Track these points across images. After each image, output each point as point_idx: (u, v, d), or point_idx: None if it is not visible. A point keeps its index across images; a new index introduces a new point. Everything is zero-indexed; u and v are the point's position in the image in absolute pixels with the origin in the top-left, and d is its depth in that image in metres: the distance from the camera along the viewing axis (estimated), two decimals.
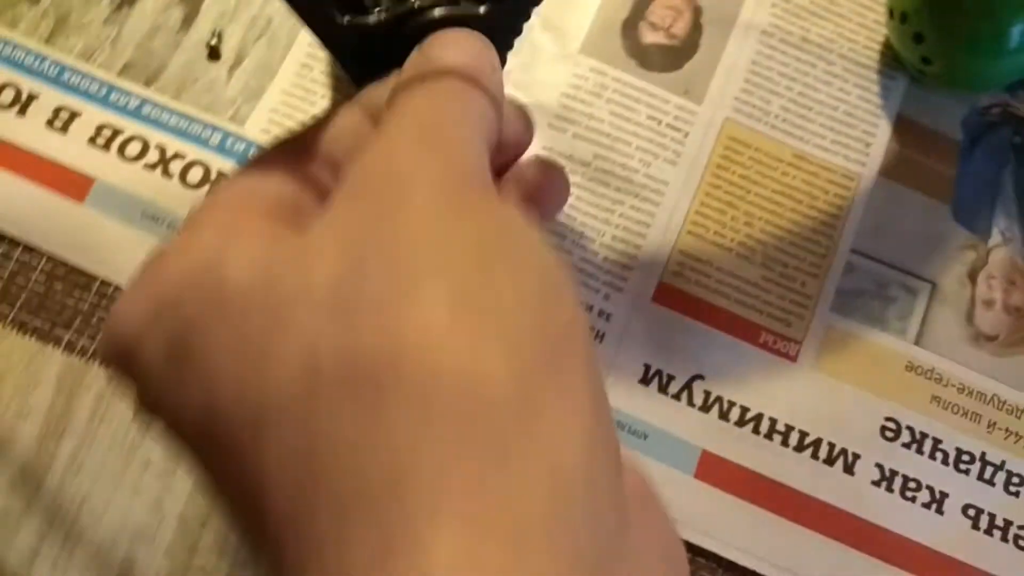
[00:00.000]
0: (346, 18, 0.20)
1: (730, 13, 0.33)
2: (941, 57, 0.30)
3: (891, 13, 0.32)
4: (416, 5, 0.20)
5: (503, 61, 0.21)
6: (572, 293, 0.16)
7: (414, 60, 0.19)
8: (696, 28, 0.33)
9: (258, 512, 0.14)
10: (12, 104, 0.30)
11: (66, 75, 0.31)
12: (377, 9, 0.20)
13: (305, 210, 0.17)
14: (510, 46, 0.22)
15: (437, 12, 0.20)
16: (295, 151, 0.19)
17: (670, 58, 0.33)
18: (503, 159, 0.21)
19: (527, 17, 0.22)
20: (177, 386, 0.15)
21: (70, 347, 0.29)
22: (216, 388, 0.14)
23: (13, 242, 0.29)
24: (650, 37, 0.33)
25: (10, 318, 0.29)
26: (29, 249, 0.29)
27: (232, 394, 0.14)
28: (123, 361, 0.16)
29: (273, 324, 0.14)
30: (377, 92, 0.19)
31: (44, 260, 0.29)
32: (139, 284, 0.16)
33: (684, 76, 0.32)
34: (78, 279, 0.29)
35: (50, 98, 0.31)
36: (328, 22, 0.20)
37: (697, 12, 0.33)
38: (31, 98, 0.31)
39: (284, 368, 0.14)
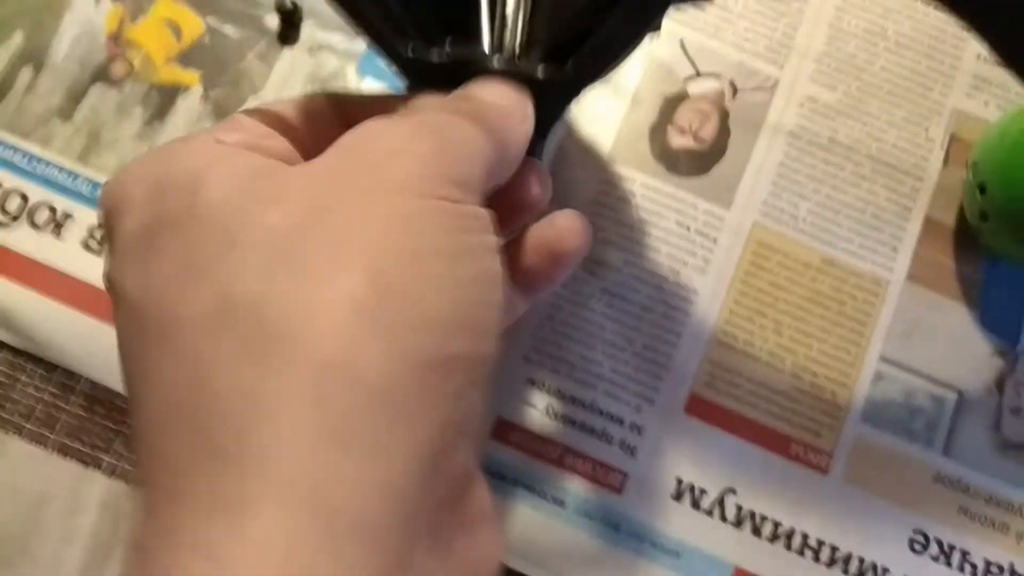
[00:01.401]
0: (411, 50, 0.21)
1: (757, 115, 0.33)
2: (997, 219, 0.30)
3: (967, 165, 0.31)
4: (477, 54, 0.21)
5: (548, 127, 0.22)
6: (482, 331, 0.17)
7: (453, 96, 0.20)
8: (724, 131, 0.33)
9: (137, 431, 0.16)
10: (47, 224, 0.31)
11: (100, 193, 0.31)
12: (440, 49, 0.21)
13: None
14: (558, 116, 0.23)
15: (495, 63, 0.21)
16: (328, 113, 0.20)
17: (698, 162, 0.33)
18: (512, 212, 0.21)
19: (579, 92, 0.23)
20: (132, 265, 0.16)
21: (112, 470, 0.29)
22: (151, 284, 0.16)
23: (52, 365, 0.30)
24: (678, 141, 0.33)
25: (52, 442, 0.30)
26: (69, 372, 0.30)
27: (158, 296, 0.16)
28: (107, 223, 0.18)
29: (217, 248, 0.15)
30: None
31: (83, 383, 0.30)
32: (143, 164, 0.17)
33: (712, 180, 0.33)
34: (117, 402, 0.30)
35: (85, 217, 0.31)
36: (394, 52, 0.21)
37: (724, 115, 0.33)
38: (66, 217, 0.31)
39: (204, 292, 0.15)
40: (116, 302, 0.17)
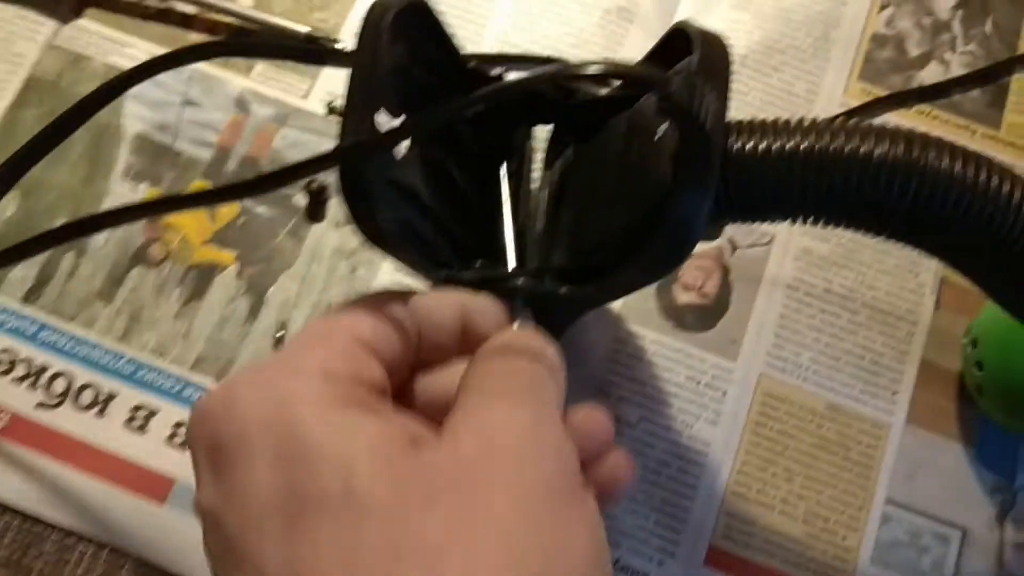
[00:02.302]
0: (444, 274, 0.23)
1: (756, 270, 0.35)
2: (992, 395, 0.32)
3: (968, 331, 0.33)
4: (505, 274, 0.23)
5: (563, 330, 0.23)
6: None
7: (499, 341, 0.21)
8: (726, 286, 0.35)
9: None
10: (92, 405, 0.32)
11: (141, 372, 0.33)
12: (472, 270, 0.23)
13: (382, 399, 0.19)
14: (572, 322, 0.25)
15: (521, 282, 0.23)
16: (399, 338, 0.20)
17: (704, 317, 0.35)
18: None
19: (596, 307, 0.25)
20: (272, 539, 0.16)
21: None
22: (305, 572, 0.16)
23: (100, 544, 0.31)
24: (684, 298, 0.35)
25: None
26: (116, 550, 0.31)
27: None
28: (210, 455, 0.18)
29: (382, 558, 0.16)
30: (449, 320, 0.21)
31: (130, 561, 0.31)
32: (250, 394, 0.18)
33: (718, 334, 0.35)
34: None
35: (127, 397, 0.33)
36: (427, 276, 0.23)
37: (726, 271, 0.35)
38: (110, 398, 0.33)
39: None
40: (228, 556, 0.17)
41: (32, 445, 0.32)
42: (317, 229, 0.35)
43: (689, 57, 0.21)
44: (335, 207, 0.35)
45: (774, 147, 0.20)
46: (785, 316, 0.35)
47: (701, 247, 0.35)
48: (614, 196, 0.23)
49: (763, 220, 0.22)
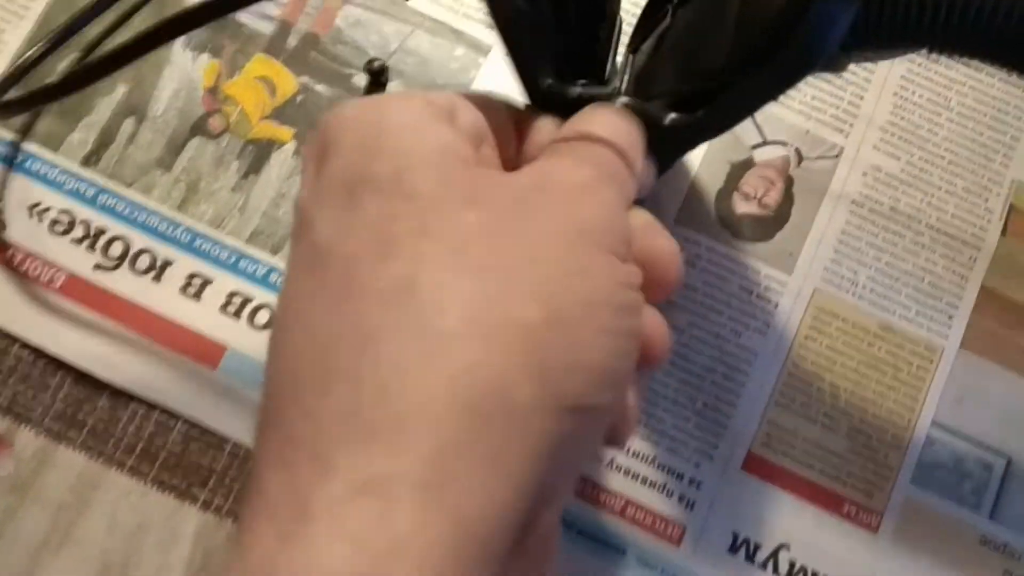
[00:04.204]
0: (549, 83, 0.23)
1: (821, 183, 0.34)
2: None
3: None
4: (608, 92, 0.23)
5: (664, 168, 0.23)
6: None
7: (577, 120, 0.22)
8: (788, 198, 0.34)
9: (273, 376, 0.18)
10: (148, 270, 0.33)
11: (198, 242, 0.33)
12: (575, 86, 0.23)
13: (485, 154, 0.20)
14: (670, 165, 0.25)
15: (624, 100, 0.23)
16: (504, 120, 0.22)
17: (762, 228, 0.34)
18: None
19: (696, 144, 0.24)
20: (331, 209, 0.18)
21: (206, 505, 0.31)
22: (345, 239, 0.18)
23: (152, 405, 0.32)
24: (743, 207, 0.34)
25: (150, 476, 0.32)
26: (166, 411, 0.32)
27: (349, 254, 0.17)
28: (314, 153, 0.19)
29: (414, 230, 0.17)
30: (548, 127, 0.22)
31: (180, 422, 0.32)
32: (358, 109, 0.19)
33: (775, 246, 0.34)
34: (212, 440, 0.32)
35: (184, 265, 0.33)
36: (533, 82, 0.23)
37: (789, 182, 0.34)
38: (166, 264, 0.33)
39: (392, 269, 0.17)
40: (301, 231, 0.18)
41: (88, 305, 0.32)
42: None
43: None
44: (395, 89, 0.35)
45: None
46: (846, 232, 0.34)
47: (766, 156, 0.35)
48: (735, 14, 0.22)
49: (900, 48, 0.20)
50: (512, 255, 0.17)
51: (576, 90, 0.23)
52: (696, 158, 0.35)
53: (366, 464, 0.15)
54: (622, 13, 0.27)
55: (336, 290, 0.17)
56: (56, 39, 0.30)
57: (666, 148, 0.23)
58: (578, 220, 0.18)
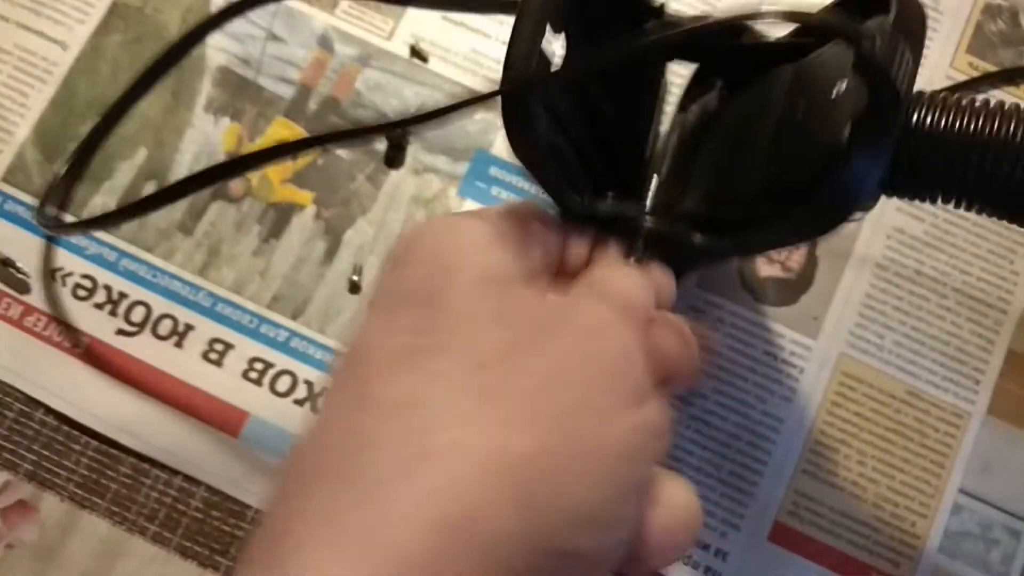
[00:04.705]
0: (579, 201, 0.23)
1: (845, 246, 0.34)
2: None
3: None
4: (638, 212, 0.23)
5: (681, 279, 0.24)
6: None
7: (605, 269, 0.22)
8: (812, 261, 0.34)
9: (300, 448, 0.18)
10: (170, 335, 0.33)
11: (219, 306, 0.33)
12: (605, 203, 0.23)
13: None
14: (691, 271, 0.25)
15: (655, 224, 0.23)
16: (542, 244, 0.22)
17: (786, 292, 0.34)
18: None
19: (718, 262, 0.24)
20: (379, 313, 0.19)
21: (228, 573, 0.31)
22: (380, 337, 0.18)
23: (174, 470, 0.32)
24: (766, 270, 0.34)
25: (173, 544, 0.32)
26: (189, 478, 0.32)
27: (378, 353, 0.18)
28: (389, 265, 0.20)
29: (437, 338, 0.18)
30: (579, 250, 0.22)
31: (203, 488, 0.32)
32: (432, 227, 0.20)
33: (800, 310, 0.34)
34: (234, 507, 0.32)
35: (205, 330, 0.33)
36: (563, 202, 0.23)
37: (813, 245, 0.34)
38: (188, 329, 0.33)
39: (405, 379, 0.17)
40: (353, 331, 0.19)
41: (110, 370, 0.32)
42: (395, 176, 0.34)
43: (882, 15, 0.20)
44: (413, 154, 0.35)
45: (955, 127, 0.19)
46: (871, 296, 0.34)
47: None
48: (766, 150, 0.22)
49: (924, 199, 0.21)
50: (524, 381, 0.17)
51: (605, 208, 0.23)
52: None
53: (328, 569, 0.15)
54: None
55: (354, 395, 0.17)
56: (91, 137, 0.30)
57: (690, 262, 0.23)
58: (596, 357, 0.18)
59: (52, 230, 0.32)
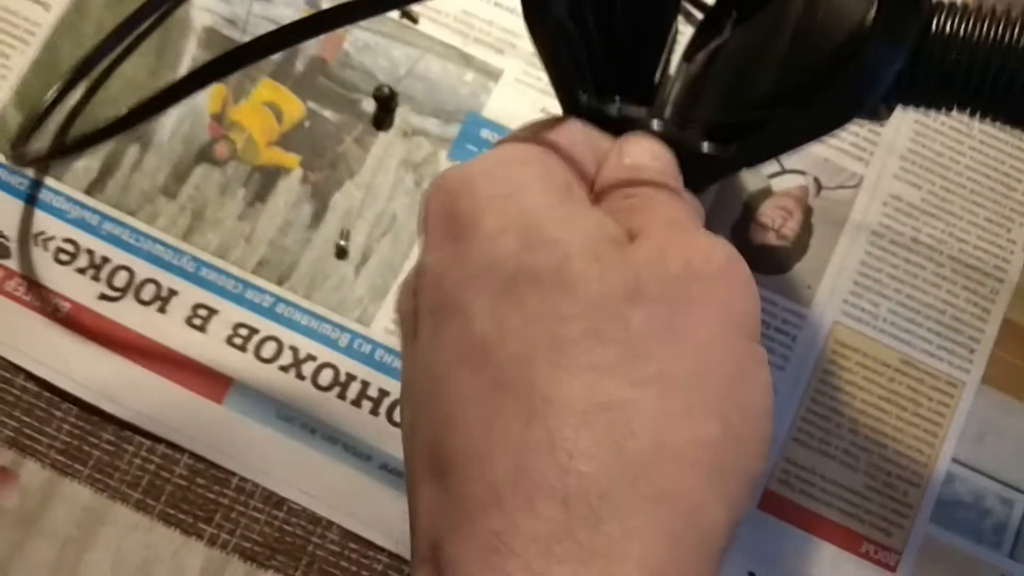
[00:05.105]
0: (587, 100, 0.22)
1: (841, 213, 0.34)
2: None
3: None
4: (646, 115, 0.23)
5: (700, 189, 0.23)
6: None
7: (623, 153, 0.21)
8: (806, 229, 0.33)
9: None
10: (153, 300, 0.32)
11: (203, 271, 0.33)
12: (614, 105, 0.23)
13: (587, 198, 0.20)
14: (701, 191, 0.24)
15: (658, 126, 0.22)
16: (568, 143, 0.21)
17: (780, 260, 0.33)
18: None
19: (729, 173, 0.23)
20: (489, 299, 0.18)
21: (212, 540, 0.31)
22: (511, 334, 0.17)
23: (157, 437, 0.32)
24: (760, 238, 0.33)
25: (156, 511, 0.31)
26: (172, 445, 0.31)
27: (516, 352, 0.17)
28: (448, 224, 0.19)
29: (587, 338, 0.17)
30: (595, 138, 0.22)
31: (186, 456, 0.31)
32: (491, 182, 0.19)
33: (793, 278, 0.33)
34: (218, 474, 0.31)
35: (189, 295, 0.32)
36: (572, 98, 0.22)
37: (808, 212, 0.34)
38: (171, 294, 0.32)
39: (574, 381, 0.17)
40: (450, 315, 0.18)
41: (92, 336, 0.32)
42: (384, 138, 0.34)
43: None
44: (403, 115, 0.34)
45: (977, 31, 0.19)
46: (866, 264, 0.33)
47: (784, 185, 0.34)
48: (782, 54, 0.21)
49: (940, 107, 0.21)
50: (682, 362, 0.17)
51: (614, 109, 0.22)
52: (711, 188, 0.34)
53: None
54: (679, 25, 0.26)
55: (517, 398, 0.16)
56: (72, 78, 0.29)
57: (696, 176, 0.22)
58: (729, 315, 0.18)
59: (29, 165, 0.31)
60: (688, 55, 0.27)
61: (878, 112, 0.21)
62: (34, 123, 0.31)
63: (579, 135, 0.21)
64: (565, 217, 0.18)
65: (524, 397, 0.16)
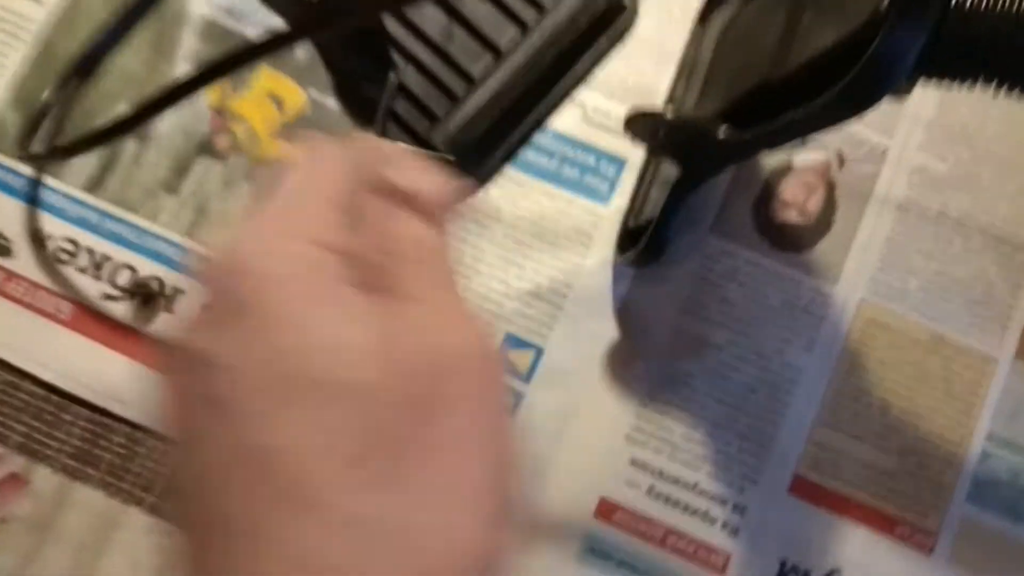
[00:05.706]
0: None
1: (865, 188, 0.32)
2: None
3: None
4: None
5: (704, 180, 0.23)
6: None
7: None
8: (830, 204, 0.32)
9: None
10: (157, 298, 0.31)
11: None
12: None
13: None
14: (717, 173, 0.24)
15: (671, 114, 0.21)
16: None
17: (804, 237, 0.32)
18: None
19: (745, 158, 0.24)
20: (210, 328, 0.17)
21: None
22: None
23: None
24: (783, 215, 0.32)
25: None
26: None
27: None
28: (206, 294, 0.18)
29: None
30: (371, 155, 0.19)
31: None
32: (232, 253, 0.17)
33: (818, 256, 0.32)
34: None
35: (195, 292, 0.31)
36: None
37: (831, 187, 0.32)
38: (176, 292, 0.31)
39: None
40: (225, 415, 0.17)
41: (97, 337, 0.31)
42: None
43: None
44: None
45: (998, 5, 0.18)
46: (893, 239, 0.32)
47: (806, 160, 0.33)
48: (796, 35, 0.20)
49: (964, 80, 0.20)
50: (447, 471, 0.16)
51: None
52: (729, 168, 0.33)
53: None
54: None
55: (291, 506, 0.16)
56: (69, 73, 0.28)
57: (715, 159, 0.22)
58: (487, 400, 0.17)
59: (40, 161, 0.30)
60: (703, 17, 0.26)
61: (899, 87, 0.20)
62: (35, 121, 0.30)
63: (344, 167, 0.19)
64: (332, 318, 0.17)
65: (297, 505, 0.16)
